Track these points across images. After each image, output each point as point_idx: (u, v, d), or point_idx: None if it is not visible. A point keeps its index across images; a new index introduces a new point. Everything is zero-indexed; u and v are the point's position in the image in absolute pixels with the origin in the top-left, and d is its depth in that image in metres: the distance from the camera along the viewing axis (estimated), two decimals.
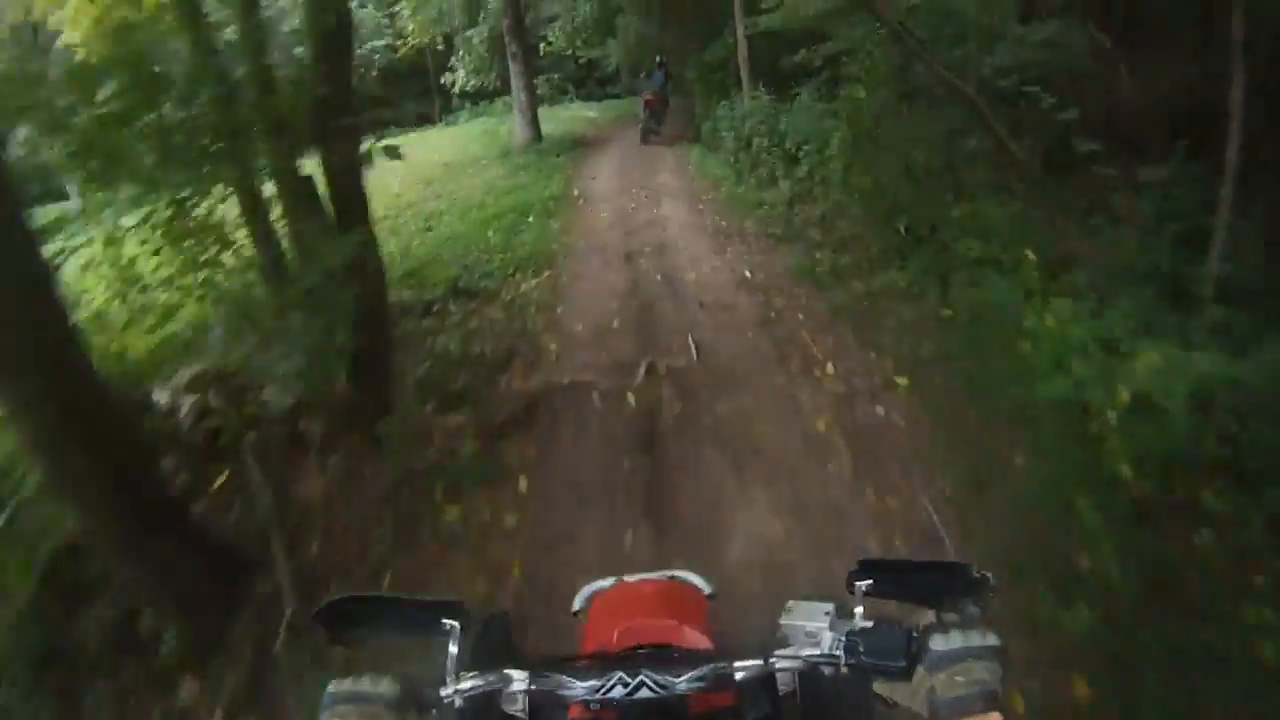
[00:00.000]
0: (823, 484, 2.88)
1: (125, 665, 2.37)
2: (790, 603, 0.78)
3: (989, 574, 0.73)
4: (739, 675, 0.74)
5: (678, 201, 7.90)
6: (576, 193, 8.78)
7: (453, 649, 0.76)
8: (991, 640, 0.66)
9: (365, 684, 0.69)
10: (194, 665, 2.35)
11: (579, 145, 12.30)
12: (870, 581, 0.74)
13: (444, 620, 0.76)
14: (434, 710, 0.71)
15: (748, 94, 8.75)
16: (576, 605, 1.29)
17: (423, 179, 9.75)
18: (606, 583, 1.30)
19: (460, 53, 16.01)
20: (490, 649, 1.00)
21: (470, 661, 0.85)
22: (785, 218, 6.32)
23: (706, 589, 1.28)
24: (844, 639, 0.71)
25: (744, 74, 8.95)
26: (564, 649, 0.98)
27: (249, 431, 3.08)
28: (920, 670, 0.67)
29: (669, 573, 1.34)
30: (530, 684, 0.75)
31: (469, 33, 15.44)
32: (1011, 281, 3.38)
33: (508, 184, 9.21)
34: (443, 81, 17.07)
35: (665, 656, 0.83)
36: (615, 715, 0.78)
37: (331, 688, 0.69)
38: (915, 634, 0.69)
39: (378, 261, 3.53)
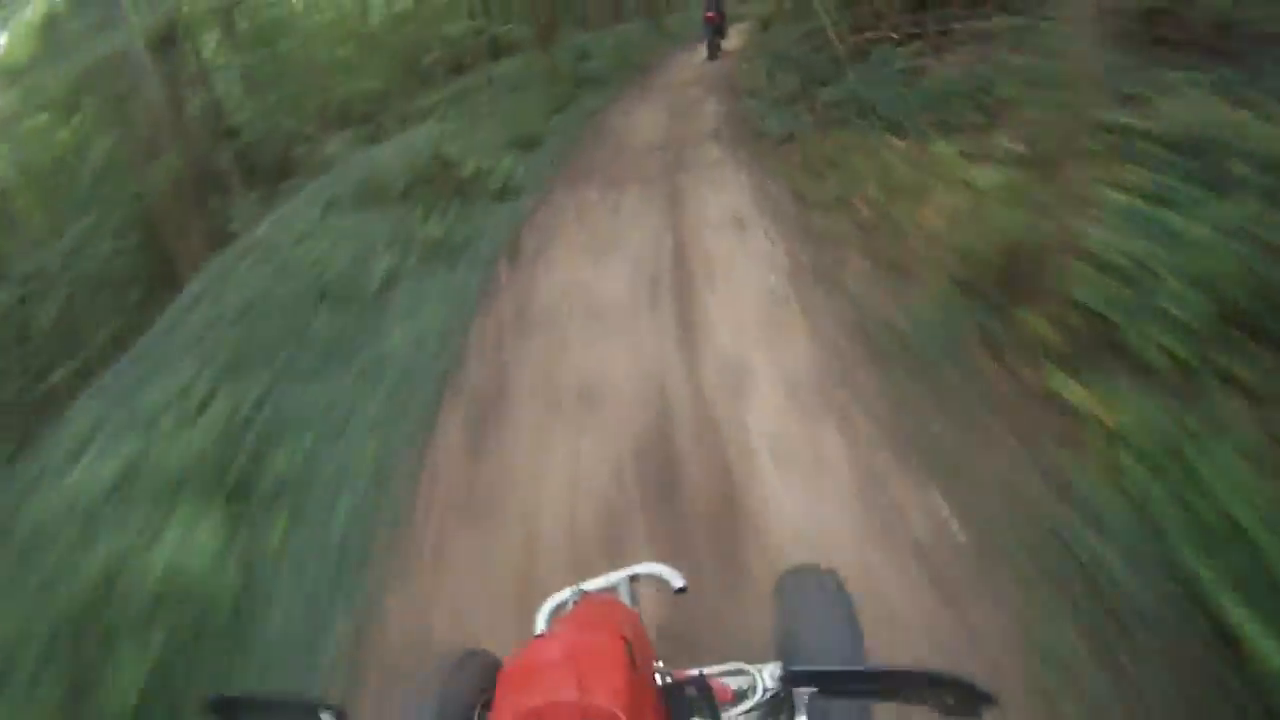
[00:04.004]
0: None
1: None
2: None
3: (975, 682, 0.58)
4: None
5: None
6: None
7: None
8: None
9: None
10: None
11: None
12: (814, 690, 0.67)
13: (322, 716, 0.74)
14: None
15: None
16: (540, 626, 1.19)
17: None
18: (563, 595, 1.22)
19: None
20: (450, 697, 0.96)
21: (417, 714, 0.86)
22: None
23: (677, 582, 1.24)
24: None
25: None
26: None
27: None
28: None
29: (634, 569, 1.27)
30: None
31: None
32: None
33: None
34: None
35: None
36: None
37: None
38: None
39: None
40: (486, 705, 0.87)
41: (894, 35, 5.58)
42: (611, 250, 4.56)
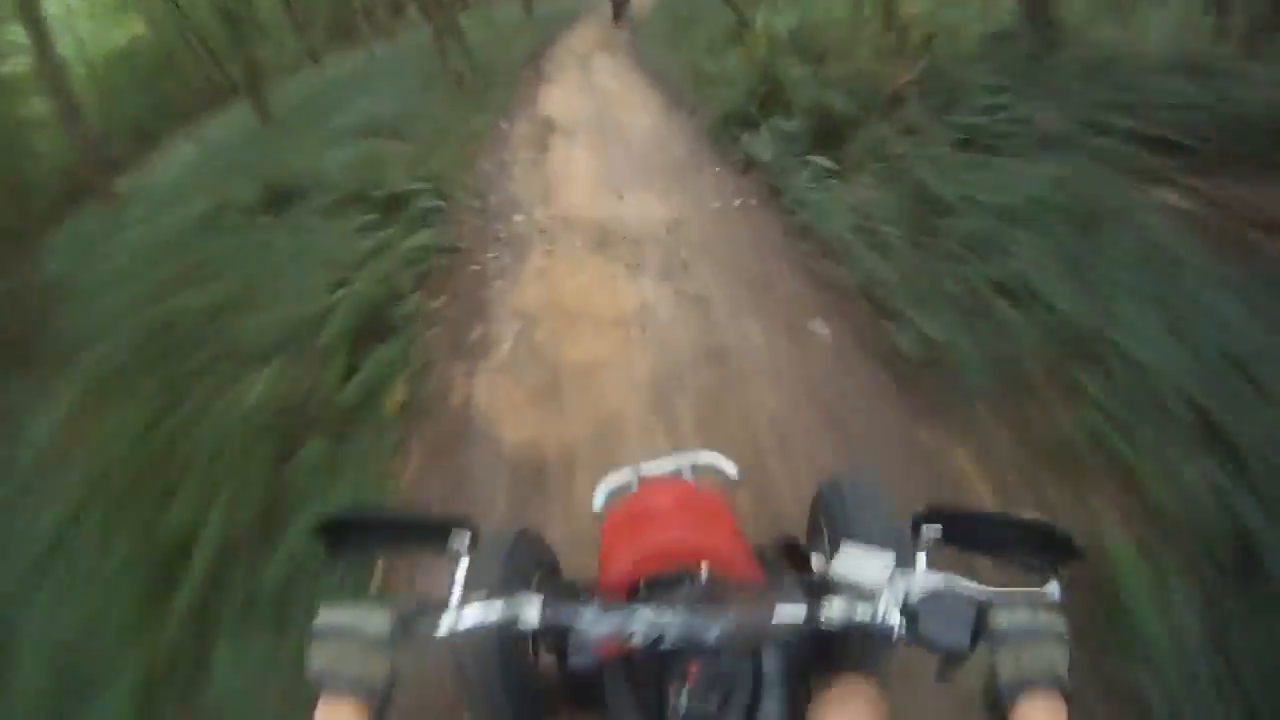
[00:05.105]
0: None
1: None
2: (845, 545, 0.68)
3: (1072, 535, 0.63)
4: (774, 622, 0.66)
5: None
6: None
7: (460, 573, 0.70)
8: (1059, 624, 0.60)
9: (357, 615, 0.62)
10: None
11: None
12: (939, 527, 0.68)
13: (452, 538, 0.70)
14: (431, 645, 0.66)
15: None
16: (597, 505, 1.23)
17: None
18: (623, 476, 1.26)
19: None
20: (513, 568, 0.94)
21: (482, 584, 0.78)
22: None
23: (732, 473, 1.26)
24: (902, 605, 0.63)
25: None
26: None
27: None
28: (981, 647, 0.61)
29: (691, 457, 1.28)
30: (542, 618, 0.68)
31: None
32: None
33: None
34: None
35: (692, 601, 0.71)
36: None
37: (321, 616, 0.62)
38: (981, 608, 0.61)
39: None
40: (548, 570, 1.02)
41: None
42: None
